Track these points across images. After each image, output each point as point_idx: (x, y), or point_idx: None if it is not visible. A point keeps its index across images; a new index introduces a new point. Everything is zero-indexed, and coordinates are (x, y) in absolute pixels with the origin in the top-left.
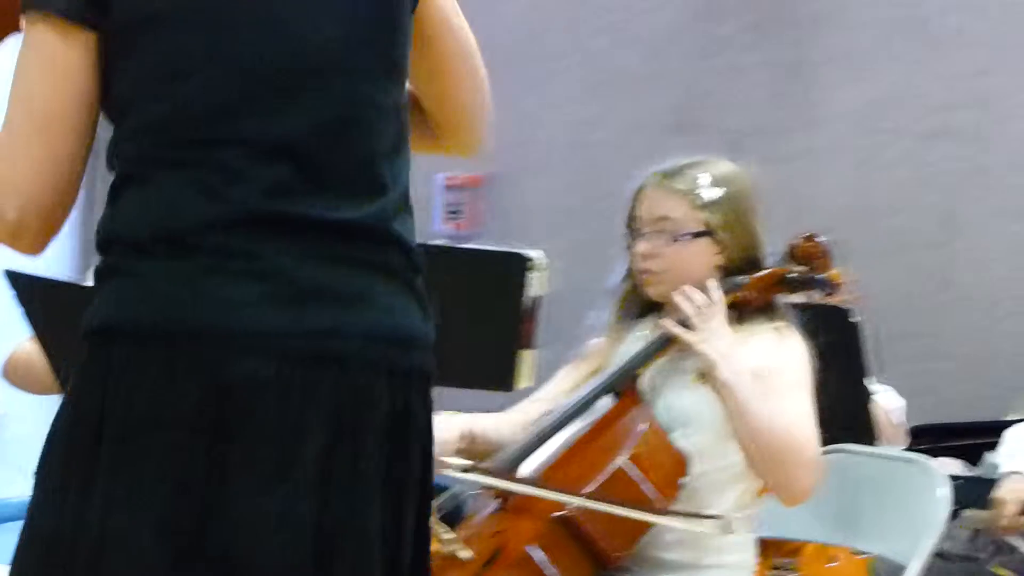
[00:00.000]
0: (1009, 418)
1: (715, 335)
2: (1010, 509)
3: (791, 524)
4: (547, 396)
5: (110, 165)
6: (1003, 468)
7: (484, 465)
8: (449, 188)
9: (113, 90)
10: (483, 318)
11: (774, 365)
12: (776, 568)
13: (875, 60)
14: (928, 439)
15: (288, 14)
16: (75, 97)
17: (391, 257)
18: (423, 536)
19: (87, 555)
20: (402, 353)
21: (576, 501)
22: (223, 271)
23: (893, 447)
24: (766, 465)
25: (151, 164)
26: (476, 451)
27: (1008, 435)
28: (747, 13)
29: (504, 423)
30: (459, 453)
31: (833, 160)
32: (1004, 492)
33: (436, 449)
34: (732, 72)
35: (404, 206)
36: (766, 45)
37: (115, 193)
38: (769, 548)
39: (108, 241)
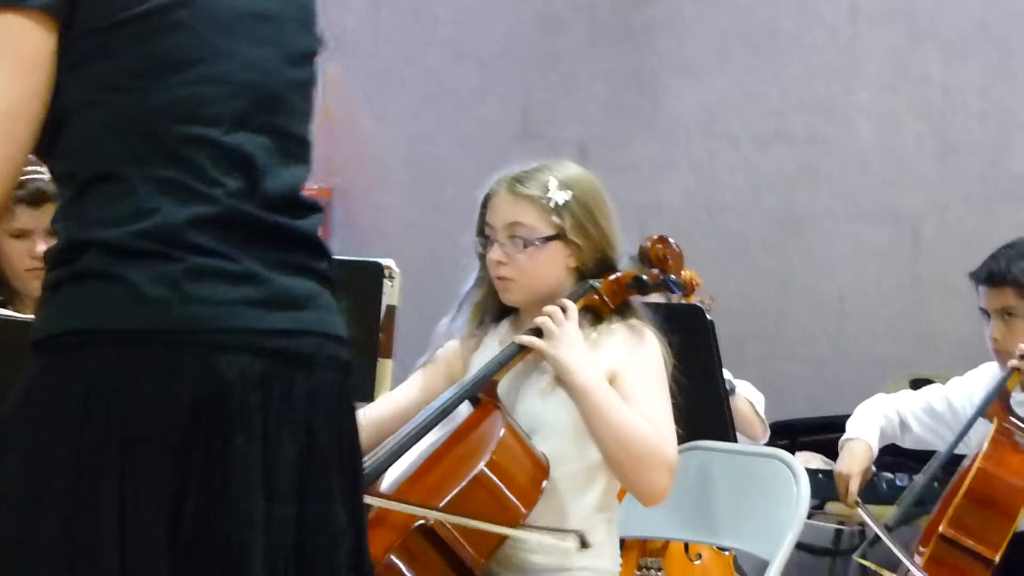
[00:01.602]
0: None
1: (567, 341)
2: (853, 485)
3: (654, 523)
4: (398, 399)
5: (58, 164)
6: (845, 435)
7: None
8: None
9: (73, 86)
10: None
11: (630, 366)
12: (642, 568)
13: (710, 67)
14: (787, 435)
15: (263, 32)
16: (38, 91)
17: (324, 265)
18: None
19: (109, 560)
20: (343, 349)
21: (433, 514)
22: (205, 272)
23: (755, 441)
24: (623, 467)
25: (124, 163)
26: None
27: (858, 408)
28: (580, 24)
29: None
30: None
31: (674, 166)
32: (843, 464)
33: None
34: (570, 82)
35: (319, 224)
36: (602, 55)
37: (79, 193)
38: (634, 548)
39: (82, 243)
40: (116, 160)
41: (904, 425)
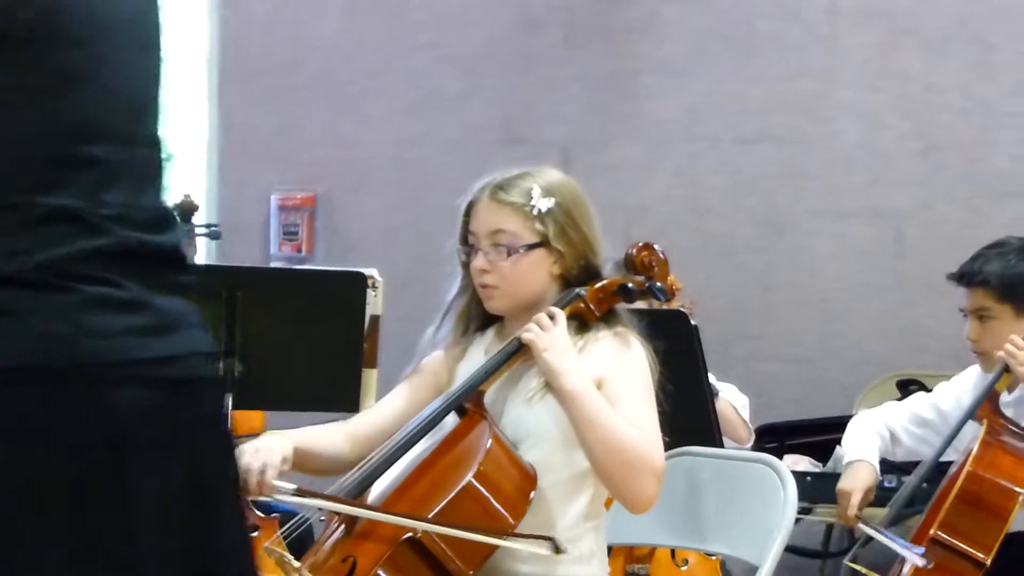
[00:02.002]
0: (855, 413)
1: (557, 345)
2: (855, 499)
3: (641, 530)
4: (384, 411)
5: None
6: (846, 458)
7: (331, 490)
8: (283, 209)
9: None
10: (326, 339)
11: (616, 373)
12: (629, 574)
13: (689, 67)
14: (774, 438)
15: (139, 38)
16: None
17: (186, 277)
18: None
19: None
20: (214, 365)
21: (421, 525)
22: (98, 303)
23: (740, 445)
24: (611, 474)
25: (13, 191)
26: (306, 468)
27: (849, 426)
28: (559, 27)
29: (336, 438)
30: (283, 475)
31: (656, 168)
32: (846, 482)
33: (261, 472)
34: (550, 86)
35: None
36: (582, 57)
37: None
38: (620, 554)
39: None
40: (4, 190)
41: (895, 439)
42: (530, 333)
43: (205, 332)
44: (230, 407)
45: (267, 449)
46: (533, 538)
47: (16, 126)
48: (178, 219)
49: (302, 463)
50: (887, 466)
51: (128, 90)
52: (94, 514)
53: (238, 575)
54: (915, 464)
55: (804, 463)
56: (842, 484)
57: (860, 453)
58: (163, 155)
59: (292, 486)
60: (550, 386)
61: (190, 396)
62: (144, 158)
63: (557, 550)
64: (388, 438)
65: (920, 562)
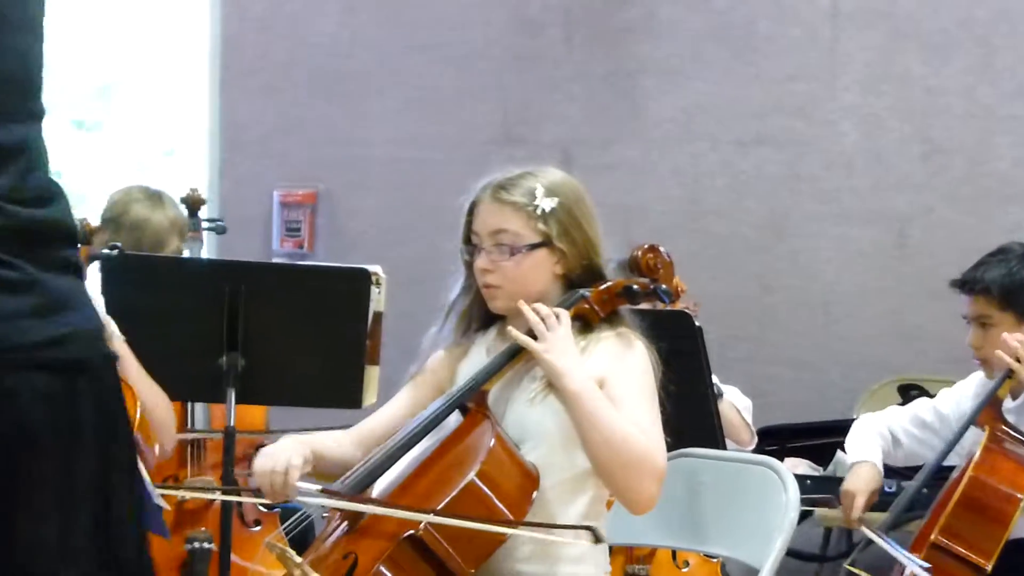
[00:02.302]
0: (856, 416)
1: (560, 346)
2: (859, 501)
3: (642, 531)
4: (389, 414)
5: None
6: (850, 459)
7: (333, 486)
8: (285, 205)
9: None
10: (329, 336)
11: (619, 373)
12: (630, 575)
13: (689, 68)
14: (774, 440)
15: (26, 30)
16: None
17: (74, 252)
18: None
19: None
20: (105, 342)
21: (426, 518)
22: None
23: (742, 448)
24: (613, 474)
25: None
26: (319, 472)
27: (852, 428)
28: (557, 26)
29: (344, 442)
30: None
31: (655, 169)
32: (851, 483)
33: (285, 474)
34: (549, 85)
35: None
36: (581, 57)
37: None
38: (621, 555)
39: None
40: None
41: (896, 441)
42: (535, 326)
43: (93, 309)
44: (233, 402)
45: (287, 451)
46: (573, 528)
47: None
48: (64, 192)
49: (314, 467)
50: (888, 471)
51: (9, 69)
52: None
53: (137, 554)
54: (915, 469)
55: (803, 466)
56: (846, 485)
57: (864, 454)
58: (42, 130)
59: (316, 487)
60: (552, 386)
61: (85, 377)
62: (30, 135)
63: (597, 539)
64: None
65: None
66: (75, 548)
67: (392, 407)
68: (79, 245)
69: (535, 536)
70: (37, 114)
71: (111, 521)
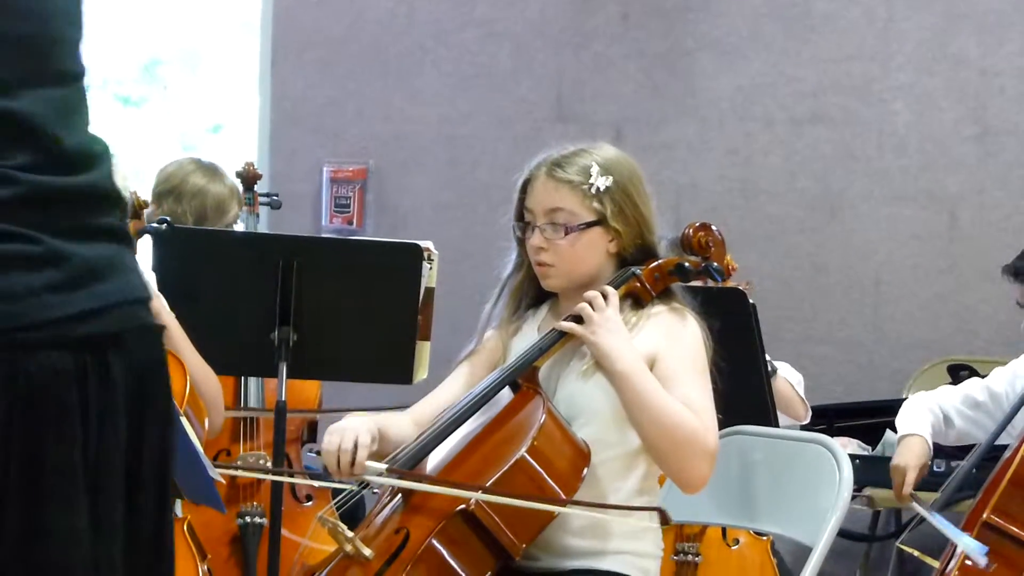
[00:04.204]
0: (905, 397)
1: (608, 327)
2: (910, 476)
3: (694, 508)
4: (447, 394)
5: None
6: (900, 433)
7: (386, 461)
8: (335, 181)
9: None
10: (381, 311)
11: (670, 349)
12: (679, 552)
13: (745, 47)
14: (823, 420)
15: None
16: None
17: (116, 217)
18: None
19: None
20: (149, 313)
21: (477, 496)
22: (7, 261)
23: (797, 422)
24: (663, 454)
25: None
26: (380, 452)
27: (903, 407)
28: (615, 4)
29: (405, 421)
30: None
31: (708, 147)
32: (900, 458)
33: (353, 452)
34: (604, 63)
35: (111, 171)
36: (636, 35)
37: None
38: (671, 533)
39: None
40: None
41: (948, 420)
42: (582, 309)
43: (135, 277)
44: (284, 375)
45: (355, 429)
46: (640, 509)
47: None
48: (108, 154)
49: (384, 447)
50: (937, 450)
51: (20, 31)
52: (13, 502)
53: (167, 542)
54: (965, 450)
55: (852, 446)
56: (896, 460)
57: (914, 428)
58: (84, 89)
59: (383, 466)
60: (600, 366)
61: (117, 350)
62: (59, 97)
63: (665, 520)
64: None
65: (982, 561)
66: (109, 535)
67: (449, 387)
68: (125, 211)
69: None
70: (69, 74)
71: (144, 504)
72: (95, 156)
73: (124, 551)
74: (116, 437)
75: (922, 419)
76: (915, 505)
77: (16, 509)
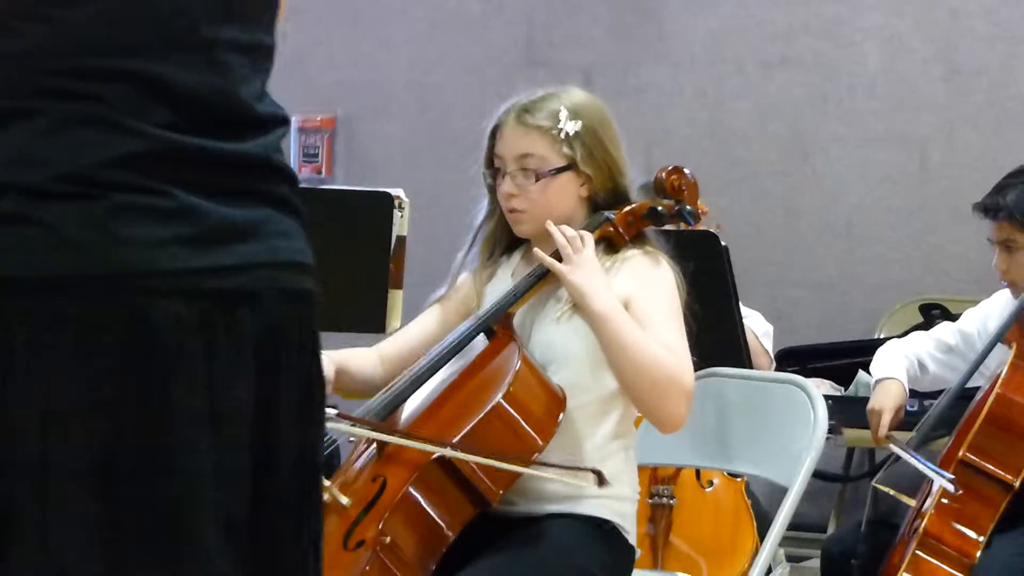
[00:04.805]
0: (880, 336)
1: (585, 266)
2: (886, 419)
3: (669, 450)
4: (414, 333)
5: None
6: (875, 377)
7: (360, 411)
8: (303, 130)
9: None
10: (353, 260)
11: (644, 292)
12: (653, 495)
13: None
14: (795, 361)
15: None
16: None
17: (279, 187)
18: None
19: (27, 528)
20: (302, 278)
21: (447, 452)
22: (133, 211)
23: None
24: (641, 394)
25: (35, 95)
26: (343, 387)
27: (878, 352)
28: None
29: (370, 358)
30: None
31: (680, 92)
32: (877, 401)
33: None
34: (574, 7)
35: (282, 134)
36: None
37: None
38: (645, 475)
39: None
40: (27, 94)
41: (922, 366)
42: (561, 248)
43: (289, 242)
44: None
45: None
46: (575, 470)
47: (38, 34)
48: (276, 124)
49: (337, 383)
50: (911, 392)
51: (154, 14)
52: (131, 441)
53: (303, 512)
54: (938, 391)
55: (825, 387)
56: (872, 403)
57: (889, 371)
58: (261, 52)
59: (333, 411)
60: (578, 308)
61: (251, 309)
62: (219, 60)
63: (600, 481)
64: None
65: (950, 488)
66: (232, 481)
67: (418, 326)
68: (292, 181)
69: (560, 466)
70: (227, 41)
71: (272, 456)
72: (254, 124)
73: (250, 509)
74: (244, 391)
75: (898, 364)
76: (891, 445)
77: (134, 447)
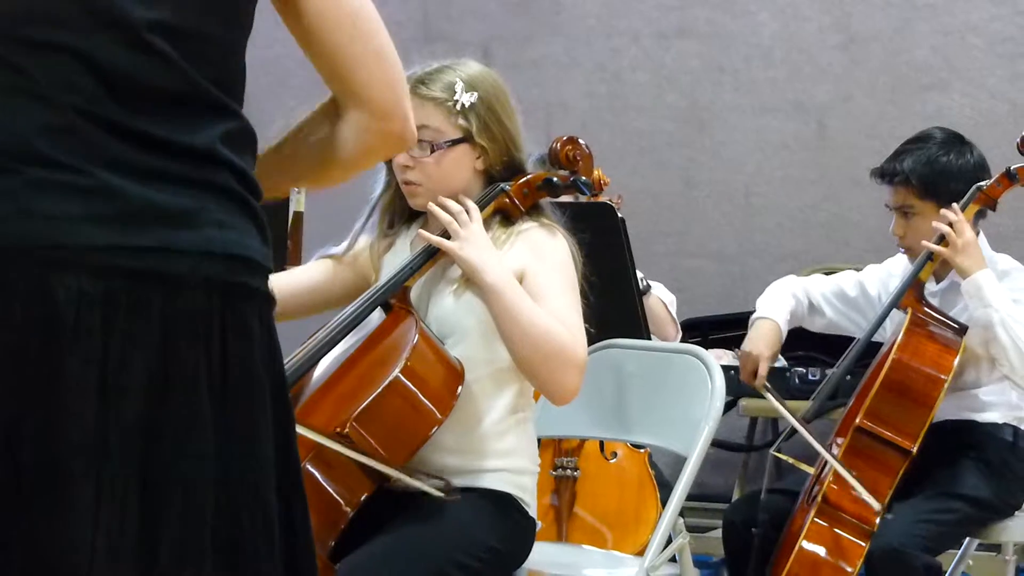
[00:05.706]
0: None
1: (474, 240)
2: (762, 366)
3: (570, 422)
4: (297, 276)
5: None
6: (754, 315)
7: None
8: None
9: None
10: None
11: (539, 265)
12: (557, 468)
13: None
14: (697, 332)
15: None
16: None
17: (223, 178)
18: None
19: None
20: (240, 271)
21: (323, 441)
22: (49, 186)
23: (667, 340)
24: (533, 367)
25: None
26: None
27: (768, 288)
28: None
29: None
30: None
31: (576, 64)
32: (750, 343)
33: None
34: None
35: (237, 131)
36: None
37: None
38: (549, 448)
39: None
40: None
41: (814, 307)
42: (448, 224)
43: (227, 234)
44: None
45: None
46: (427, 476)
47: None
48: (225, 117)
49: None
50: (812, 360)
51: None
52: (23, 401)
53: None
54: (837, 353)
55: (727, 357)
56: (747, 346)
57: (769, 311)
58: (199, 39)
59: None
60: (470, 282)
61: (164, 293)
62: (151, 42)
63: (448, 492)
64: (300, 305)
65: (841, 470)
66: (117, 457)
67: (305, 272)
68: (242, 178)
69: (461, 427)
70: (145, 21)
71: (163, 445)
72: (195, 110)
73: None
74: (139, 370)
75: (781, 304)
76: (772, 402)
77: (30, 414)
